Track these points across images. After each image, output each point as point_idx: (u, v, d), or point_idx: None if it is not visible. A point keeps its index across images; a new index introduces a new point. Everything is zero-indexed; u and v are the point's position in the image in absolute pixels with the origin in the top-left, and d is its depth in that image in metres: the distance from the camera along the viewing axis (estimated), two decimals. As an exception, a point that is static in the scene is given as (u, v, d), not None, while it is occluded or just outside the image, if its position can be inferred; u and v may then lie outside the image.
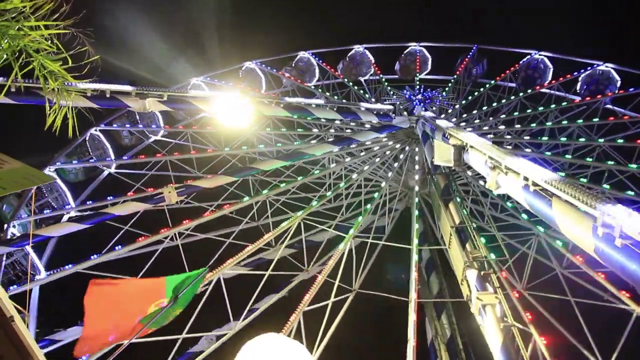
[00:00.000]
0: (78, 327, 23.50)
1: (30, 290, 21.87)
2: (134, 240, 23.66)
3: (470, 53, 37.62)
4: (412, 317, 18.96)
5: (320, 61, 37.72)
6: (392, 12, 46.07)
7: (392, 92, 32.46)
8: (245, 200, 23.93)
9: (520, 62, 36.48)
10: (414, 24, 47.71)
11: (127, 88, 21.08)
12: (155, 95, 22.42)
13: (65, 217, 26.31)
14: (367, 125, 28.96)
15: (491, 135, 29.77)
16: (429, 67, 38.65)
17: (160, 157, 28.37)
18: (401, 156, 28.12)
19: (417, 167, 28.29)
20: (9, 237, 22.86)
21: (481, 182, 25.34)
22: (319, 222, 25.87)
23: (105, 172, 29.76)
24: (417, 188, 26.70)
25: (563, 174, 26.05)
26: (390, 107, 27.58)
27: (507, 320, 13.25)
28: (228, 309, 20.57)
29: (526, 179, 12.37)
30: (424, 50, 38.71)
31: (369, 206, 24.43)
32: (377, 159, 28.08)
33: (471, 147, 15.62)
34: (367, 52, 38.62)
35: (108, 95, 20.86)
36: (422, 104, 27.99)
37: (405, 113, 29.37)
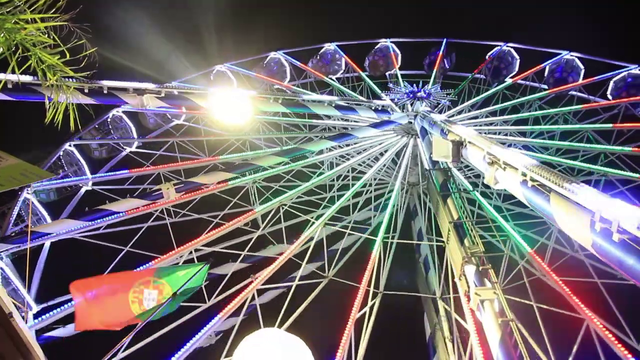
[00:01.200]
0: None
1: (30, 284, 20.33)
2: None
3: (441, 47, 38.03)
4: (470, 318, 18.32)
5: (296, 61, 36.76)
6: (362, 9, 45.73)
7: (387, 89, 32.02)
8: (261, 209, 22.66)
9: (488, 54, 37.36)
10: (384, 20, 47.81)
11: (126, 84, 20.70)
12: (153, 91, 21.45)
13: (48, 243, 23.73)
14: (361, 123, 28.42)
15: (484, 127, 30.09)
16: (399, 62, 38.59)
17: (152, 169, 26.26)
18: (406, 152, 27.72)
19: (418, 162, 28.07)
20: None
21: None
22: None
23: (83, 190, 27.15)
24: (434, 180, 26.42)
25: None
26: (389, 102, 27.25)
27: (506, 316, 13.13)
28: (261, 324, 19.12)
29: (524, 174, 12.24)
30: (394, 45, 38.65)
31: (390, 207, 23.88)
32: (384, 155, 27.55)
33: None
34: (339, 50, 38.04)
35: (105, 92, 20.40)
36: (420, 100, 27.76)
37: (398, 109, 29.19)
